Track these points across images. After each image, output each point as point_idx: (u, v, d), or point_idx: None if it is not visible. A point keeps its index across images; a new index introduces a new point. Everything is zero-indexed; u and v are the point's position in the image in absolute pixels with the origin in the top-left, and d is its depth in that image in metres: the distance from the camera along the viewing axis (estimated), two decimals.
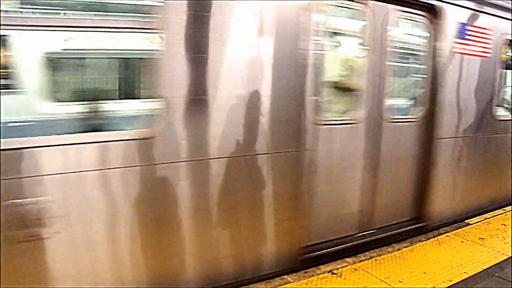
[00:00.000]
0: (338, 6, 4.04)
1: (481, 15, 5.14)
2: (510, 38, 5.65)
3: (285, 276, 3.79)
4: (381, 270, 3.97)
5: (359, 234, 4.51)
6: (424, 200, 4.98)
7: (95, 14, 5.24)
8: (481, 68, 5.28)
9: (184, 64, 3.07)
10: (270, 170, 3.56)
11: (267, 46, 3.45)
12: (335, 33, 5.42)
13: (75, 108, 4.62)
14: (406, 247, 4.53)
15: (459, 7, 4.85)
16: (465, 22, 4.97)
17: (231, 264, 3.53)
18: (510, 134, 5.89)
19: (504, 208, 6.04)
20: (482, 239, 4.84)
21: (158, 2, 2.96)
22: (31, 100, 5.23)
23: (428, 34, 4.78)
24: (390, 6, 4.36)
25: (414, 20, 4.67)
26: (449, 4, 4.71)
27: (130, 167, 2.97)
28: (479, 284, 3.81)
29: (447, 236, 4.89)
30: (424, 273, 3.95)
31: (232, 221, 3.46)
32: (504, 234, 5.00)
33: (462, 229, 5.15)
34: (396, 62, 4.71)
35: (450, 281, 3.82)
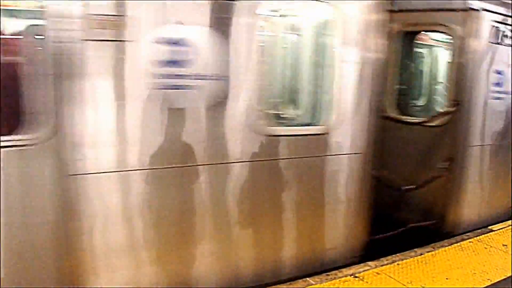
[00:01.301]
0: None
1: None
2: None
3: (308, 279, 3.85)
4: (403, 274, 4.00)
5: None
6: None
7: None
8: None
9: None
10: None
11: None
12: None
13: None
14: (428, 252, 4.53)
15: None
16: None
17: None
18: None
19: None
20: (506, 246, 4.80)
21: None
22: None
23: None
24: None
25: None
26: None
27: None
28: None
29: (470, 242, 4.87)
30: (447, 278, 3.96)
31: None
32: None
33: (486, 235, 5.12)
34: None
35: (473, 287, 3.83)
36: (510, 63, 5.42)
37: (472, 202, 5.37)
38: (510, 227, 5.44)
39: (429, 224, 5.23)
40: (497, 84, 5.29)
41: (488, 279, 3.99)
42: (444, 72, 7.50)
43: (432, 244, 4.74)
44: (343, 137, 3.93)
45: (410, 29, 5.65)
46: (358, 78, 3.89)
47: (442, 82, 7.47)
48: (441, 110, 5.60)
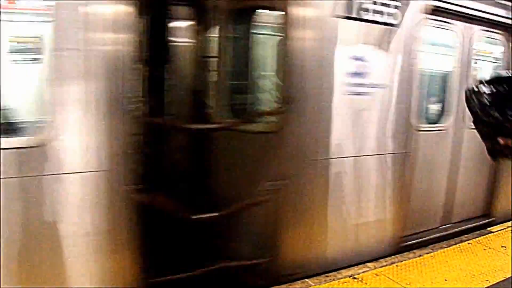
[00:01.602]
0: None
1: None
2: None
3: (307, 280, 3.85)
4: (402, 276, 4.00)
5: None
6: None
7: None
8: None
9: None
10: None
11: None
12: None
13: None
14: (427, 253, 4.54)
15: None
16: None
17: None
18: None
19: None
20: (505, 247, 4.80)
21: None
22: None
23: None
24: None
25: None
26: None
27: None
28: None
29: (469, 243, 4.88)
30: (446, 280, 3.97)
31: None
32: None
33: (485, 236, 5.13)
34: None
35: None
36: (388, 45, 4.08)
37: (324, 237, 3.99)
38: (509, 228, 5.44)
39: (252, 263, 3.81)
40: (358, 74, 3.89)
41: (487, 281, 3.99)
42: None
43: (431, 246, 4.75)
44: (68, 150, 2.81)
45: (241, 6, 4.07)
46: (81, 74, 2.80)
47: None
48: (263, 111, 4.31)
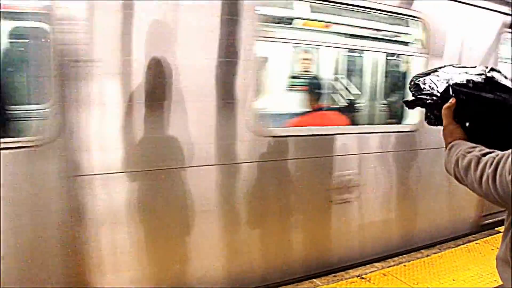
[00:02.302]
0: None
1: None
2: None
3: (314, 280, 3.87)
4: (410, 276, 4.01)
5: None
6: None
7: None
8: None
9: None
10: None
11: None
12: None
13: None
14: (435, 253, 4.54)
15: None
16: None
17: None
18: None
19: None
20: None
21: None
22: None
23: None
24: None
25: None
26: None
27: None
28: None
29: (476, 243, 4.86)
30: (453, 280, 3.96)
31: None
32: None
33: (493, 236, 5.11)
34: None
35: None
36: None
37: None
38: None
39: None
40: None
41: (495, 281, 3.97)
42: None
43: (439, 246, 4.74)
44: None
45: None
46: None
47: None
48: None
